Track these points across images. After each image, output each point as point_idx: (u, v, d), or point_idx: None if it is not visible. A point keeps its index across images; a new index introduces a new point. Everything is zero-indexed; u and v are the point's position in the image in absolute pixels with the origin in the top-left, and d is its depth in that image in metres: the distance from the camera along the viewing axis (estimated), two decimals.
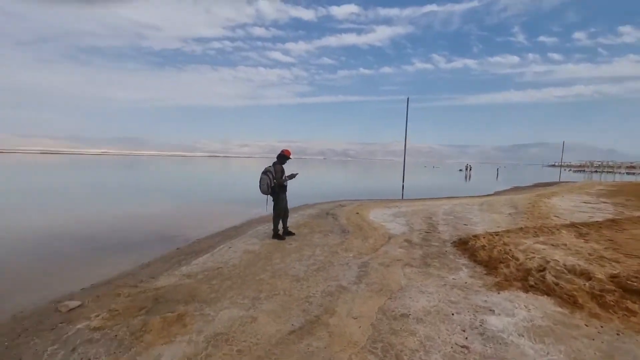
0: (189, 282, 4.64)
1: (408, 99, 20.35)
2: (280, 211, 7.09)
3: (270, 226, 7.89)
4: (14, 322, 3.69)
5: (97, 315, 3.63)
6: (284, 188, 7.13)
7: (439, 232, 7.79)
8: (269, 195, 7.02)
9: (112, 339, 3.16)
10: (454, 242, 6.82)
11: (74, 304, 3.98)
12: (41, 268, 5.69)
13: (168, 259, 5.97)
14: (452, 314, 3.64)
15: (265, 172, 6.84)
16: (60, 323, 3.56)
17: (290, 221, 8.94)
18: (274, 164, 7.05)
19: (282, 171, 7.06)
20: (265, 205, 7.33)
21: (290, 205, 7.60)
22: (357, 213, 10.41)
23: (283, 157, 7.13)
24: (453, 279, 4.72)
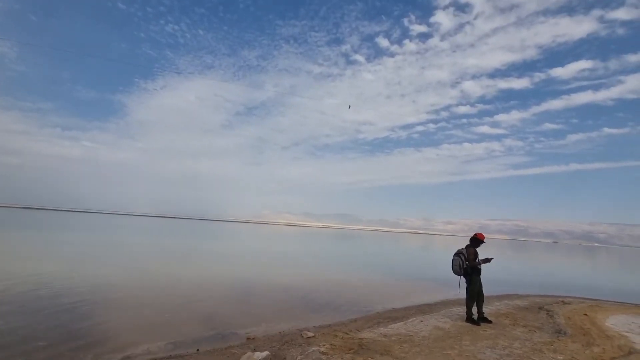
0: (384, 340, 5.63)
1: None
2: (474, 294, 7.09)
3: (464, 309, 7.84)
4: (280, 336, 5.84)
5: (324, 345, 5.20)
6: (477, 271, 7.19)
7: None
8: (461, 277, 7.27)
9: None
10: None
11: (310, 334, 5.80)
12: (290, 308, 8.28)
13: (369, 319, 7.24)
14: None
15: (457, 254, 7.27)
16: (303, 344, 5.35)
17: (490, 309, 8.46)
18: (467, 246, 7.37)
19: (475, 254, 7.23)
20: (457, 286, 7.52)
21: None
22: (586, 314, 8.36)
23: (476, 240, 7.36)
24: None
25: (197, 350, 5.13)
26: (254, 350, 4.75)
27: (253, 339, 5.75)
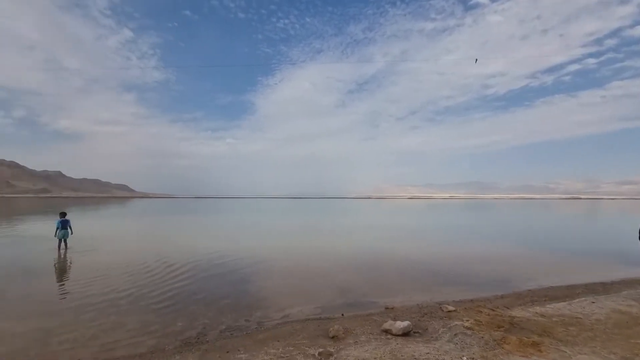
0: (543, 320, 4.95)
1: None
2: None
3: None
4: (418, 308, 5.86)
5: (467, 320, 4.96)
6: None
7: None
8: None
9: (479, 338, 4.30)
10: None
11: (450, 308, 5.61)
12: (424, 281, 8.16)
13: (520, 297, 6.47)
14: None
15: None
16: (444, 317, 5.23)
17: None
18: None
19: None
20: None
21: None
22: None
23: None
24: None
25: (342, 315, 5.68)
26: (395, 319, 4.93)
27: (392, 308, 5.95)
